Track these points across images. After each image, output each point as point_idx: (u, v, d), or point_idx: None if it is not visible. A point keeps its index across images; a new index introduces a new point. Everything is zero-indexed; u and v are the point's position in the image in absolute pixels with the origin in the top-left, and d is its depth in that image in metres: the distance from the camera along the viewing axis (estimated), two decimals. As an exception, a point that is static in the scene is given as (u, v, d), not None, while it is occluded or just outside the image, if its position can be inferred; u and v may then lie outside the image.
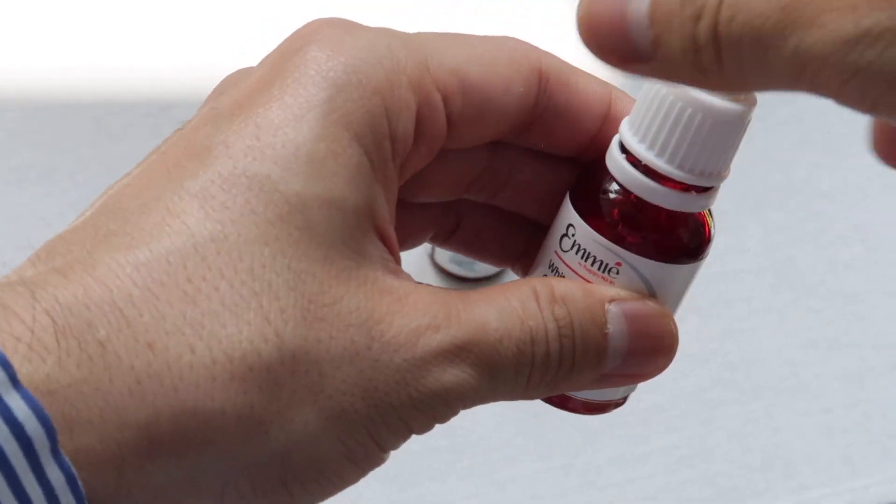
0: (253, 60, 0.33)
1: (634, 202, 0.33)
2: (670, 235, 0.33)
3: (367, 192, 0.31)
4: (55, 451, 0.26)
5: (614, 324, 0.33)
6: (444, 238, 0.38)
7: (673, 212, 0.33)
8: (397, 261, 0.32)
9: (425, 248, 0.80)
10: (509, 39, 0.34)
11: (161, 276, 0.28)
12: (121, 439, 0.27)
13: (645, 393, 0.77)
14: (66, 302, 0.27)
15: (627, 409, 0.78)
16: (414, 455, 0.73)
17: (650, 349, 0.33)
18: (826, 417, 0.78)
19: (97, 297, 0.28)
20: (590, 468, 0.74)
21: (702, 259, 0.34)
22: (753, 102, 0.32)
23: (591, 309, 0.32)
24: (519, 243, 0.38)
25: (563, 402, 0.35)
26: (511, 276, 0.34)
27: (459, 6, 0.96)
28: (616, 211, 0.33)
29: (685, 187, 0.32)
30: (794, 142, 0.92)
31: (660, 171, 0.32)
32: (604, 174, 0.33)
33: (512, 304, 0.32)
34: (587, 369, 0.33)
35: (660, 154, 0.32)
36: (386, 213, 0.31)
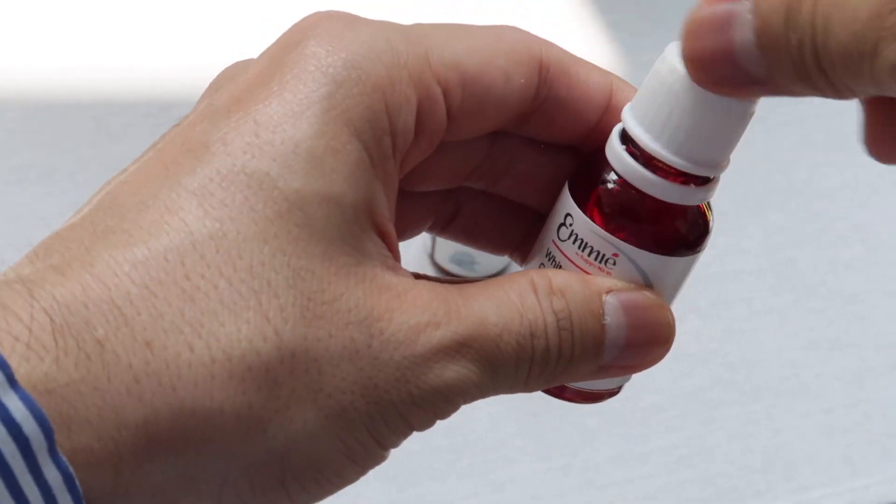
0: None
1: (633, 194, 0.32)
2: (668, 228, 0.33)
3: (367, 188, 0.30)
4: (52, 451, 0.26)
5: (612, 315, 0.32)
6: (442, 226, 0.38)
7: (672, 204, 0.33)
8: (396, 257, 0.32)
9: (425, 247, 0.80)
10: (510, 29, 0.34)
11: (159, 275, 0.28)
12: (119, 438, 0.27)
13: (645, 393, 0.77)
14: (64, 300, 0.27)
15: (627, 409, 0.78)
16: (413, 455, 0.73)
17: (647, 340, 0.33)
18: (826, 418, 0.78)
19: (95, 296, 0.28)
20: (589, 468, 0.74)
21: (700, 251, 0.34)
22: None
23: (588, 300, 0.32)
24: (518, 231, 0.37)
25: (559, 392, 0.35)
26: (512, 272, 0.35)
27: (459, 6, 0.96)
28: (614, 202, 0.33)
29: (684, 180, 0.32)
30: (795, 142, 0.92)
31: (659, 158, 0.32)
32: (603, 165, 0.33)
33: (510, 298, 0.32)
34: (585, 361, 0.32)
35: (660, 141, 0.32)
36: (385, 210, 0.31)
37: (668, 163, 0.32)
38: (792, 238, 0.87)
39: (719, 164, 0.32)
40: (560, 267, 0.34)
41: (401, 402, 0.30)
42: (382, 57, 0.31)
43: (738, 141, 0.32)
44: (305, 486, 0.30)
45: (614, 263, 0.33)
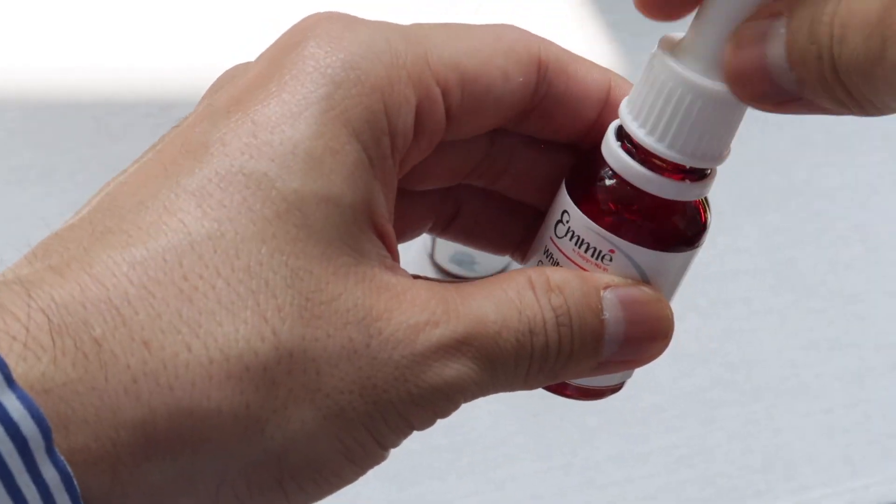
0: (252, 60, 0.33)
1: (629, 190, 0.32)
2: (665, 224, 0.33)
3: (366, 189, 0.30)
4: (50, 451, 0.26)
5: (610, 310, 0.32)
6: (443, 227, 0.38)
7: (668, 200, 0.33)
8: (395, 257, 0.32)
9: (425, 247, 0.80)
10: (508, 28, 0.34)
11: (157, 275, 0.28)
12: (116, 438, 0.27)
13: (645, 392, 0.77)
14: (61, 300, 0.27)
15: (627, 409, 0.78)
16: (413, 454, 0.73)
17: (646, 335, 0.33)
18: (826, 418, 0.78)
19: (93, 296, 0.28)
20: (589, 467, 0.74)
21: (697, 247, 0.34)
22: None
23: (586, 296, 0.32)
24: (518, 231, 0.37)
25: (560, 389, 0.35)
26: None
27: (459, 6, 0.96)
28: (610, 199, 0.33)
29: (681, 176, 0.32)
30: (795, 142, 0.92)
31: (654, 152, 0.32)
32: (600, 162, 0.33)
33: (509, 296, 0.32)
34: (585, 357, 0.32)
35: (655, 135, 0.32)
36: (384, 210, 0.31)
37: (663, 157, 0.32)
38: (792, 238, 0.87)
39: (715, 156, 0.32)
40: (558, 264, 0.34)
41: (400, 402, 0.30)
42: (381, 57, 0.31)
43: (733, 134, 0.32)
44: (303, 486, 0.30)
45: (611, 260, 0.33)
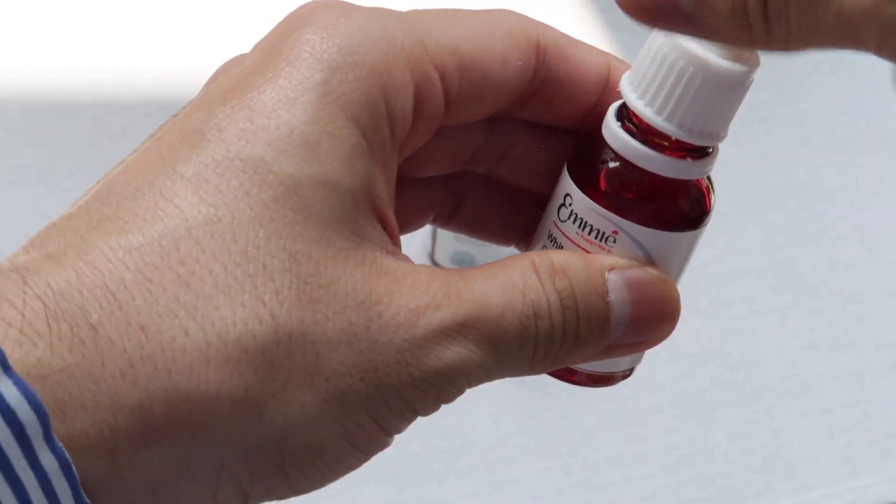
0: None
1: (630, 170, 0.32)
2: (667, 203, 0.33)
3: (364, 173, 0.30)
4: (48, 437, 0.26)
5: (615, 292, 0.32)
6: (446, 218, 0.38)
7: (670, 179, 0.32)
8: (396, 242, 0.32)
9: (425, 247, 0.80)
10: (506, 13, 0.34)
11: (154, 260, 0.28)
12: (114, 423, 0.27)
13: (645, 393, 0.77)
14: (57, 287, 0.27)
15: (627, 409, 0.78)
16: (412, 455, 0.73)
17: (653, 316, 0.33)
18: (826, 418, 0.78)
19: (89, 282, 0.28)
20: (588, 468, 0.74)
21: (701, 228, 0.34)
22: (756, 64, 0.31)
23: (591, 278, 0.32)
24: (522, 221, 0.37)
25: (567, 376, 0.35)
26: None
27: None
28: (611, 179, 0.33)
29: (682, 154, 0.32)
30: (795, 143, 0.92)
31: (654, 125, 0.32)
32: (600, 143, 0.33)
33: (512, 279, 0.31)
34: (591, 340, 0.32)
35: (656, 109, 0.32)
36: (384, 195, 0.31)
37: (662, 130, 0.32)
38: (792, 238, 0.87)
39: (716, 134, 0.32)
40: (561, 248, 0.34)
41: (402, 385, 0.30)
42: (379, 42, 0.31)
43: (734, 112, 0.32)
44: (305, 471, 0.30)
45: (615, 241, 0.33)
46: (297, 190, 0.29)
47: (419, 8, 0.33)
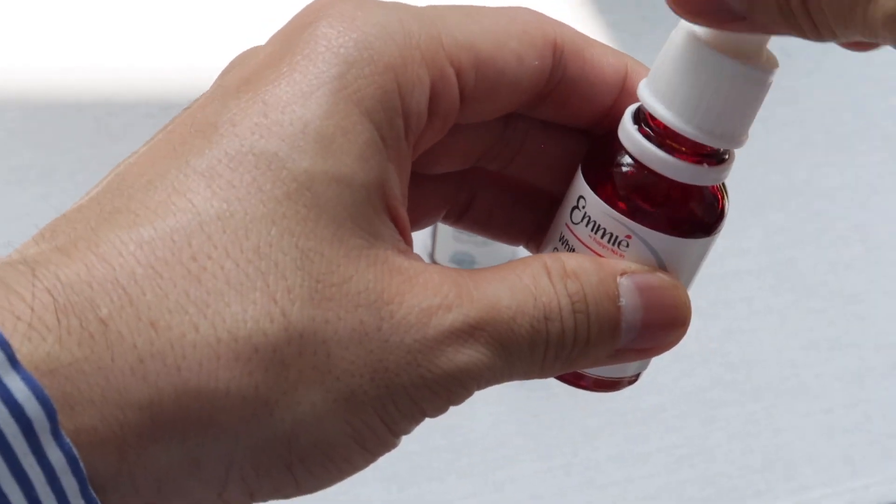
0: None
1: (646, 174, 0.32)
2: (682, 209, 0.32)
3: (378, 169, 0.30)
4: (55, 432, 0.26)
5: (627, 297, 0.32)
6: (457, 216, 0.37)
7: (685, 185, 0.32)
8: (408, 241, 0.31)
9: (425, 247, 0.80)
10: (523, 11, 0.33)
11: (165, 255, 0.28)
12: (122, 419, 0.27)
13: (645, 393, 0.77)
14: (67, 280, 0.27)
15: (628, 409, 0.78)
16: (413, 454, 0.73)
17: (664, 322, 0.33)
18: (826, 418, 0.78)
19: (100, 276, 0.27)
20: (590, 467, 0.74)
21: (714, 235, 0.33)
22: (775, 65, 0.31)
23: (603, 283, 0.32)
24: (532, 221, 0.37)
25: (575, 381, 0.35)
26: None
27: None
28: (626, 183, 0.32)
29: (698, 160, 0.32)
30: (795, 143, 0.93)
31: (673, 128, 0.31)
32: (616, 146, 0.33)
33: (524, 281, 0.31)
34: (602, 344, 0.32)
35: (676, 112, 0.31)
36: (398, 192, 0.31)
37: (682, 133, 0.31)
38: (792, 238, 0.87)
39: (735, 137, 0.32)
40: (574, 251, 0.33)
41: (412, 386, 0.29)
42: (395, 37, 0.31)
43: (753, 115, 0.32)
44: (312, 470, 0.29)
45: (627, 245, 0.32)
46: (310, 186, 0.29)
47: (435, 4, 0.33)
